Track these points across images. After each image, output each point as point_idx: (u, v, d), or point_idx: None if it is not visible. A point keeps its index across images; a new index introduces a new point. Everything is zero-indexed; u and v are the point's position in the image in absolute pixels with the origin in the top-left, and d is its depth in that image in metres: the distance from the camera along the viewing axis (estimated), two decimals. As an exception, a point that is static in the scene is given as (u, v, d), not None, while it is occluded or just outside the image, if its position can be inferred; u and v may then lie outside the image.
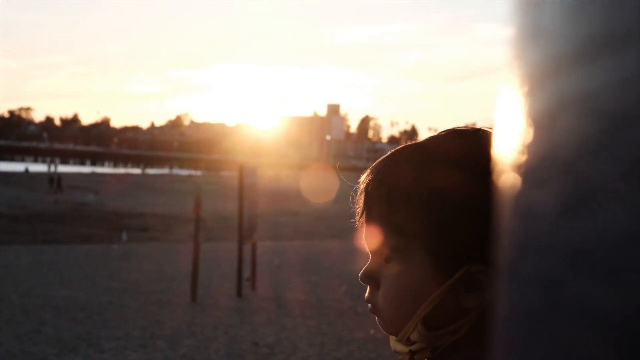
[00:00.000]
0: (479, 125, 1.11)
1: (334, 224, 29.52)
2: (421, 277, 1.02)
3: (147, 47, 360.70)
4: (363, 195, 1.08)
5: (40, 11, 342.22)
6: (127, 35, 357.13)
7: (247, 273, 12.63)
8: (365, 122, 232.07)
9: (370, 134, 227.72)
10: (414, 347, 1.03)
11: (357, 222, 1.10)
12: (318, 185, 50.58)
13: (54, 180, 55.23)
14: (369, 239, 1.07)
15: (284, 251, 19.31)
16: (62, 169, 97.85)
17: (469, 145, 1.04)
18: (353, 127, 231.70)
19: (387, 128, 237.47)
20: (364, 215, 1.08)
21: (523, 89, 0.38)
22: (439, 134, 1.10)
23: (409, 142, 1.11)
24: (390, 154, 1.09)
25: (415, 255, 1.02)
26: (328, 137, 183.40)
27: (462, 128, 1.09)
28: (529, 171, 0.37)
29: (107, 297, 11.80)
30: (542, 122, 0.37)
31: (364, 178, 1.09)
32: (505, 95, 0.40)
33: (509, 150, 0.39)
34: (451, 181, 1.00)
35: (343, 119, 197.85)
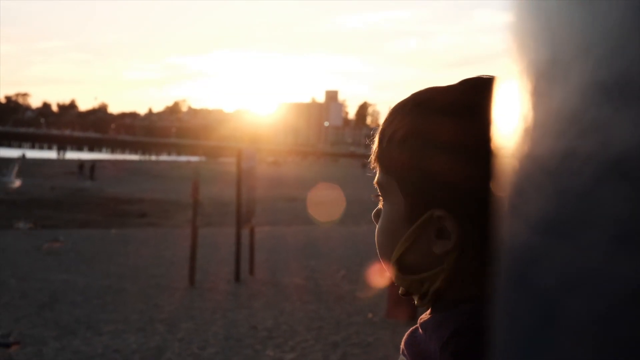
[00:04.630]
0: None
1: (333, 210, 29.50)
2: (397, 216, 1.01)
3: (145, 34, 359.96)
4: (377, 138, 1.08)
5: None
6: (125, 21, 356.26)
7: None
8: (363, 109, 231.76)
9: (369, 120, 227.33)
10: (401, 290, 1.04)
11: (372, 166, 1.10)
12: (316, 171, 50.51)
13: (84, 167, 54.55)
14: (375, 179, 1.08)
15: (282, 236, 19.31)
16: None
17: (466, 92, 1.00)
18: (351, 114, 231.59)
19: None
20: (374, 158, 1.08)
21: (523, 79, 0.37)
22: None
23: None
24: (407, 97, 1.09)
25: (394, 193, 1.02)
26: (326, 124, 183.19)
27: (471, 78, 1.05)
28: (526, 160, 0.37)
29: (105, 281, 11.80)
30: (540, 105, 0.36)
31: (382, 123, 1.09)
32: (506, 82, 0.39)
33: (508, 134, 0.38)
34: (430, 124, 0.99)
35: (341, 106, 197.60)
